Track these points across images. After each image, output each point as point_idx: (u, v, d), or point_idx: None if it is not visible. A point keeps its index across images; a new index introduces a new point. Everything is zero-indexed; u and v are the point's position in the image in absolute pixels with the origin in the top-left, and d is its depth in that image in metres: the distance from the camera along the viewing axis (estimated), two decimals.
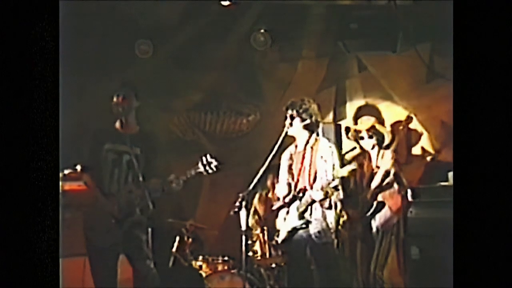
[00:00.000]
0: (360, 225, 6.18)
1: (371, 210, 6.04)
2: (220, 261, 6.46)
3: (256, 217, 6.90)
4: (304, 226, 5.49)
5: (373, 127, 6.11)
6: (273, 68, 8.12)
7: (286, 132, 5.50)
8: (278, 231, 5.66)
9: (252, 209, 6.91)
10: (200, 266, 6.40)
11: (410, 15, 7.38)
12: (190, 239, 6.54)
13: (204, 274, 6.30)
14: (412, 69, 7.90)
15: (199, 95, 8.09)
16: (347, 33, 7.28)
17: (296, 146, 5.68)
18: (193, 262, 6.41)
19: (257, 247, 6.61)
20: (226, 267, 6.38)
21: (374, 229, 6.09)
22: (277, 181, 5.78)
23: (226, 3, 7.30)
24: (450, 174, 6.29)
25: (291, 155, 5.66)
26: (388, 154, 5.97)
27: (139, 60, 7.66)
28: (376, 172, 6.00)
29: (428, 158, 7.86)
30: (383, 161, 5.97)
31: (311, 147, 5.59)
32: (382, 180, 5.97)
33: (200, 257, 6.47)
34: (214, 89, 8.09)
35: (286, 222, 5.55)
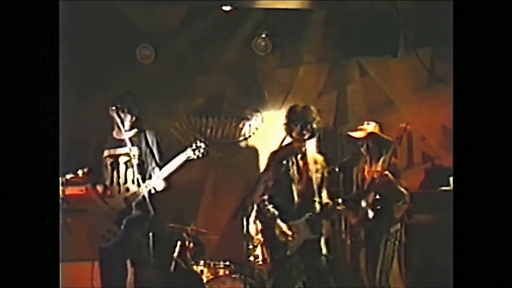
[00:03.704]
0: (362, 231, 6.17)
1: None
2: (221, 265, 6.45)
3: (258, 222, 6.88)
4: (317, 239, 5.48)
5: (373, 133, 6.09)
6: (274, 73, 8.12)
7: (289, 141, 5.47)
8: (286, 245, 5.49)
9: (254, 214, 6.90)
10: (202, 271, 6.38)
11: (411, 20, 7.39)
12: (192, 244, 6.53)
13: (205, 279, 6.29)
14: (413, 73, 7.92)
15: (200, 99, 8.09)
16: (348, 38, 7.29)
17: (296, 156, 5.55)
18: (195, 267, 6.40)
19: (258, 251, 6.58)
20: (227, 272, 6.37)
21: (376, 235, 6.07)
22: (275, 191, 5.54)
23: (228, 8, 7.32)
24: (452, 179, 6.28)
25: (292, 165, 5.54)
26: (388, 159, 5.95)
27: (140, 64, 7.67)
28: (376, 178, 5.98)
29: (429, 163, 7.86)
30: (383, 167, 5.95)
31: (312, 156, 5.58)
32: (381, 185, 5.94)
33: (202, 262, 6.46)
34: (215, 94, 8.09)
35: (297, 235, 5.46)
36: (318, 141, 7.78)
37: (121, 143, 5.13)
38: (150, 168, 5.21)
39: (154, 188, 5.05)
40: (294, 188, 5.47)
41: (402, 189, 5.99)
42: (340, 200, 5.54)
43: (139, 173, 5.05)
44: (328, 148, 7.79)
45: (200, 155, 5.03)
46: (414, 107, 7.72)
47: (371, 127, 6.09)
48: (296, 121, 5.46)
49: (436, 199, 6.78)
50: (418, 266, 6.65)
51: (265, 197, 5.44)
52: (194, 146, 5.02)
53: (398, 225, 6.07)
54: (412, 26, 7.44)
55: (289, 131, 5.54)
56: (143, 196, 4.97)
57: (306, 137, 5.47)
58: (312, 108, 5.60)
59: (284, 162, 5.40)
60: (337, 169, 5.98)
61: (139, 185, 5.06)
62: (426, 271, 6.62)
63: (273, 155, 5.53)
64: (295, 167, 5.47)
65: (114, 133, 5.29)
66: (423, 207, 6.71)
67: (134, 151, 5.15)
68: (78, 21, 6.71)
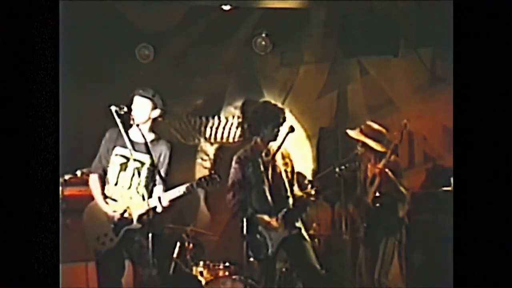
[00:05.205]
0: (362, 229, 6.17)
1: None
2: (221, 266, 6.43)
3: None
4: (297, 234, 5.48)
5: (374, 131, 6.09)
6: (274, 73, 8.11)
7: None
8: (266, 245, 5.47)
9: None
10: (201, 272, 6.36)
11: (411, 19, 7.40)
12: (191, 245, 6.51)
13: (205, 280, 6.28)
14: (414, 73, 7.92)
15: (200, 99, 8.08)
16: (348, 38, 7.28)
17: (262, 155, 5.49)
18: (194, 268, 6.38)
19: None
20: (227, 273, 6.35)
21: (376, 234, 6.07)
22: (247, 193, 5.48)
23: (227, 7, 7.31)
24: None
25: (260, 165, 5.48)
26: (387, 157, 5.96)
27: (139, 64, 7.65)
28: (376, 176, 5.99)
29: (430, 163, 7.85)
30: (383, 165, 5.95)
31: (281, 152, 5.57)
32: (381, 184, 5.95)
33: (201, 263, 6.44)
34: (215, 93, 8.08)
35: (276, 234, 5.45)
36: (318, 141, 7.81)
37: (133, 146, 4.99)
38: (157, 180, 4.99)
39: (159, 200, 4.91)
40: (265, 187, 5.44)
41: (402, 189, 5.99)
42: (313, 192, 5.54)
43: (145, 184, 4.97)
44: (328, 148, 7.80)
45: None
46: (415, 107, 7.72)
47: (372, 126, 6.10)
48: (266, 122, 5.45)
49: (437, 199, 6.78)
50: (418, 266, 6.64)
51: (238, 198, 5.42)
52: (207, 179, 4.73)
53: (398, 225, 6.07)
54: (412, 26, 7.45)
55: (255, 132, 5.52)
56: (147, 210, 4.90)
57: (278, 136, 5.43)
58: (280, 106, 5.64)
59: (251, 163, 5.36)
60: (337, 169, 5.97)
61: (143, 199, 4.98)
62: (426, 271, 6.62)
63: (239, 156, 5.51)
64: (263, 166, 5.42)
65: (130, 132, 5.07)
66: (424, 207, 6.72)
67: (146, 158, 5.01)
68: (78, 21, 6.70)
